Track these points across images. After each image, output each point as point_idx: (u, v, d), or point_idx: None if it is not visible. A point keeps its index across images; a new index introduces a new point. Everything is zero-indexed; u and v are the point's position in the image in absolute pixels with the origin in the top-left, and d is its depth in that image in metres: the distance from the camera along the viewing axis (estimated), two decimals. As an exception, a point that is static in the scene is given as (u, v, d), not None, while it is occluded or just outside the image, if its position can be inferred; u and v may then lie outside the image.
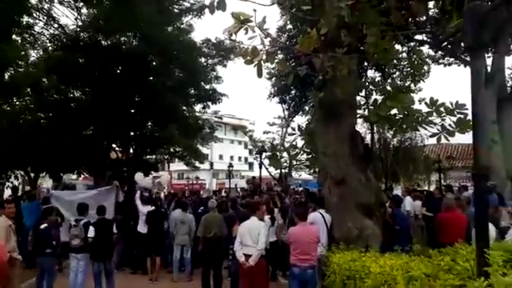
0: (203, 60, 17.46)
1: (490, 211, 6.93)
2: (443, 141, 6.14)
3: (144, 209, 9.41)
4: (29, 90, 13.95)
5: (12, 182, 15.49)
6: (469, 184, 11.49)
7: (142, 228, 9.31)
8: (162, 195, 10.84)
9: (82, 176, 22.02)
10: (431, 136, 6.00)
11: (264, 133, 22.77)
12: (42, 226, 7.13)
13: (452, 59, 13.94)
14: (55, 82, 14.35)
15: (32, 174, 16.45)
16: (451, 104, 5.86)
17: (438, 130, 6.00)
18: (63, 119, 14.40)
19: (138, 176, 12.01)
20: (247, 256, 5.86)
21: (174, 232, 8.99)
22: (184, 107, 17.89)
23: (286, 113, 21.07)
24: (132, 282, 8.58)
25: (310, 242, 5.59)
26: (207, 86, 17.47)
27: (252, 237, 5.91)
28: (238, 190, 23.15)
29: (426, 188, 22.78)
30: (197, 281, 8.32)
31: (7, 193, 16.05)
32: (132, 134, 18.02)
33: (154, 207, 9.46)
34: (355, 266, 4.51)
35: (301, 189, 19.75)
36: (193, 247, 8.95)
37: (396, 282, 3.50)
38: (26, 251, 7.18)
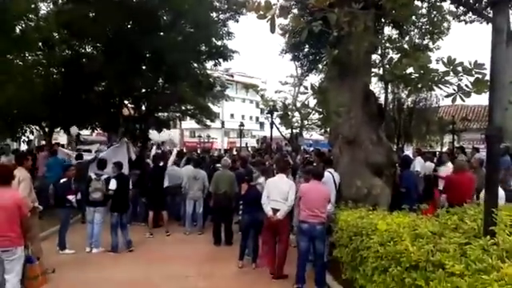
0: (214, 15, 17.01)
1: (501, 173, 6.95)
2: (458, 102, 6.02)
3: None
4: (40, 44, 13.89)
5: (28, 137, 15.82)
6: (482, 146, 11.38)
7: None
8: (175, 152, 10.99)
9: (96, 132, 22.39)
10: (446, 96, 5.87)
11: (276, 92, 22.53)
12: (61, 181, 7.46)
13: (474, 16, 13.30)
14: (66, 36, 14.25)
15: (46, 129, 16.74)
16: (470, 63, 5.69)
17: (454, 90, 5.87)
18: (75, 74, 14.44)
19: (152, 134, 12.24)
20: (275, 210, 6.09)
21: (186, 187, 9.20)
22: (195, 64, 17.70)
23: (299, 71, 20.72)
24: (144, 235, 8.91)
25: (320, 200, 5.70)
26: (218, 42, 17.14)
27: (281, 193, 6.15)
28: (249, 148, 23.38)
29: (439, 149, 22.67)
30: (208, 234, 8.64)
31: (23, 146, 16.51)
32: (143, 90, 18.03)
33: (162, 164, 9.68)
34: (362, 224, 4.61)
35: (311, 149, 19.86)
36: (205, 203, 9.21)
37: (402, 239, 3.58)
38: (47, 203, 7.50)
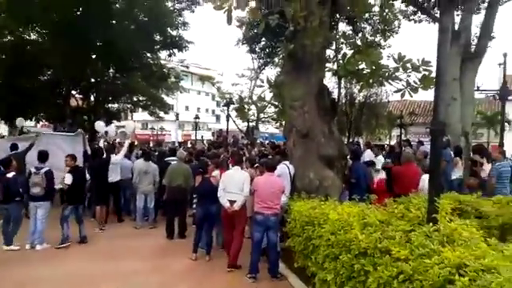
0: (170, 4, 16.62)
1: (442, 164, 7.39)
2: (407, 97, 6.35)
3: (113, 158, 9.30)
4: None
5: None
6: (426, 139, 12.04)
7: (112, 177, 9.20)
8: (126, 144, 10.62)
9: (41, 123, 21.21)
10: (396, 91, 6.18)
11: (232, 85, 22.48)
12: (10, 175, 7.07)
13: (423, 15, 14.01)
14: (8, 21, 13.31)
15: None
16: (418, 61, 6.00)
17: (403, 85, 6.18)
18: (17, 62, 13.57)
19: (98, 125, 11.75)
20: (231, 202, 6.19)
21: (136, 181, 8.97)
22: (148, 54, 17.23)
23: (256, 64, 20.79)
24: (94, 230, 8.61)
25: (274, 192, 5.80)
26: (173, 32, 16.77)
27: (236, 185, 6.23)
28: (205, 142, 23.19)
29: (387, 142, 23.74)
30: (160, 228, 8.50)
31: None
32: (93, 80, 17.29)
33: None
34: (315, 214, 4.74)
35: (267, 142, 20.06)
36: (157, 196, 9.03)
37: (352, 228, 3.72)
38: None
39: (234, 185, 6.26)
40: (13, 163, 7.39)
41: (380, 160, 9.77)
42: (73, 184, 7.41)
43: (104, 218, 8.93)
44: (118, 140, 19.01)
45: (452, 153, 8.83)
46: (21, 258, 6.64)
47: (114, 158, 9.36)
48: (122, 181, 9.40)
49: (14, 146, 9.67)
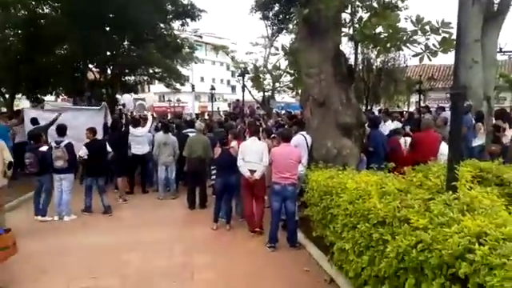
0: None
1: (463, 131, 7.22)
2: (426, 61, 6.12)
3: (135, 131, 9.54)
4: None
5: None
6: (447, 105, 11.72)
7: (136, 149, 9.50)
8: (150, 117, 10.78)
9: (61, 97, 21.51)
10: (414, 56, 5.96)
11: (246, 54, 22.07)
12: (44, 148, 7.33)
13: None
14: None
15: (7, 96, 15.93)
16: (437, 22, 5.73)
17: (421, 49, 5.94)
18: (33, 37, 13.61)
19: (126, 97, 11.93)
20: (251, 171, 6.32)
21: (157, 153, 9.10)
22: (161, 24, 17.01)
23: (270, 31, 20.28)
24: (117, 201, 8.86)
25: (291, 162, 5.79)
26: (185, 1, 16.47)
27: (255, 155, 6.36)
28: (221, 113, 23.16)
29: (406, 109, 23.25)
30: (181, 199, 8.68)
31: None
32: (108, 53, 17.27)
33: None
34: (332, 183, 4.72)
35: (283, 112, 19.89)
36: (177, 167, 9.16)
37: (370, 197, 3.70)
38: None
39: (252, 154, 6.38)
40: (42, 137, 7.66)
41: (397, 127, 9.59)
42: (90, 156, 7.65)
43: (126, 190, 9.18)
44: (135, 113, 19.20)
45: (473, 118, 8.59)
46: (49, 229, 6.92)
47: (140, 130, 9.67)
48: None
49: (34, 121, 9.88)
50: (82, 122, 9.31)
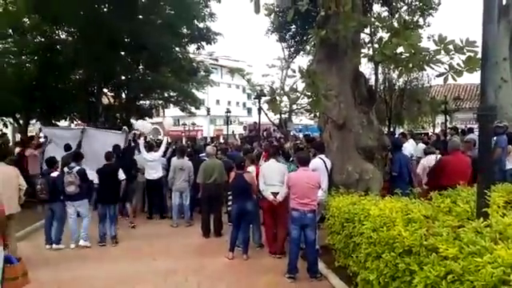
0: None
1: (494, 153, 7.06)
2: (450, 81, 6.08)
3: (149, 156, 9.77)
4: (10, 31, 13.55)
5: (1, 130, 15.53)
6: (475, 126, 11.55)
7: (149, 174, 9.71)
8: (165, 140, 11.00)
9: (75, 122, 22.06)
10: (438, 76, 5.92)
11: (263, 76, 22.36)
12: (55, 174, 7.49)
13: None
14: (37, 21, 13.91)
15: (21, 122, 16.44)
16: (461, 41, 5.72)
17: (445, 69, 5.92)
18: (49, 62, 14.14)
19: (140, 123, 12.20)
20: (274, 194, 6.52)
21: (172, 179, 9.18)
22: (177, 48, 17.47)
23: (286, 53, 20.58)
24: (138, 228, 8.91)
25: (310, 187, 5.75)
26: (200, 25, 16.90)
27: (278, 176, 6.63)
28: (237, 136, 23.33)
29: (431, 131, 22.95)
30: (196, 226, 8.67)
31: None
32: (123, 77, 17.77)
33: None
34: (354, 209, 4.67)
35: (301, 134, 19.89)
36: (192, 194, 9.21)
37: (395, 224, 3.64)
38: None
39: (274, 177, 6.61)
40: (56, 164, 7.81)
41: (420, 149, 9.49)
42: (102, 182, 7.76)
43: (146, 216, 9.67)
44: (149, 137, 19.51)
45: (506, 139, 8.43)
46: (60, 259, 6.97)
47: (153, 154, 9.88)
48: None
49: (67, 147, 10.11)
50: (103, 146, 9.54)
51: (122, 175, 7.96)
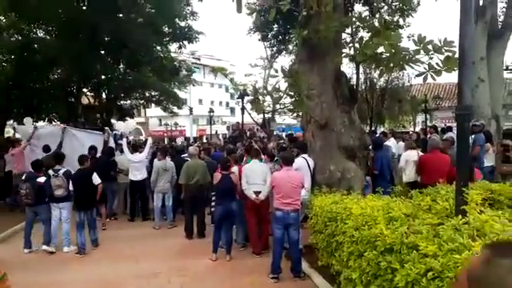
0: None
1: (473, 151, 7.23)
2: (430, 80, 6.20)
3: (133, 157, 9.69)
4: (-15, 30, 13.23)
5: (-24, 131, 15.14)
6: (454, 124, 11.80)
7: (133, 175, 9.62)
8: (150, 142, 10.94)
9: (54, 123, 21.63)
10: (418, 75, 6.03)
11: (245, 75, 22.38)
12: (42, 180, 7.29)
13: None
14: (14, 20, 13.60)
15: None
16: (439, 41, 5.84)
17: (424, 68, 6.03)
18: (26, 61, 13.84)
19: (118, 124, 12.02)
20: (256, 193, 6.67)
21: (155, 180, 9.10)
22: (158, 47, 17.33)
23: (269, 52, 20.63)
24: (119, 230, 8.80)
25: (293, 187, 5.77)
26: (182, 23, 16.82)
27: (259, 177, 6.76)
28: (220, 136, 23.29)
29: (412, 129, 23.35)
30: (179, 228, 8.62)
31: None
32: (103, 77, 17.52)
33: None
34: (337, 208, 4.71)
35: (284, 134, 19.99)
36: (174, 195, 9.14)
37: (377, 223, 3.69)
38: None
39: (256, 176, 6.72)
40: (43, 168, 7.57)
41: (401, 147, 9.64)
42: (76, 187, 7.38)
43: (128, 218, 9.62)
44: (131, 137, 19.28)
45: (484, 138, 8.64)
46: (41, 263, 6.84)
47: (138, 156, 9.83)
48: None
49: (46, 148, 9.88)
50: (83, 145, 9.37)
51: (96, 179, 7.53)
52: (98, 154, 9.64)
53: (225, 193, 6.84)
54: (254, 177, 6.74)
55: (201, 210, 8.31)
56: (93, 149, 9.34)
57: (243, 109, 19.89)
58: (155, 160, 9.58)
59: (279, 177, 5.94)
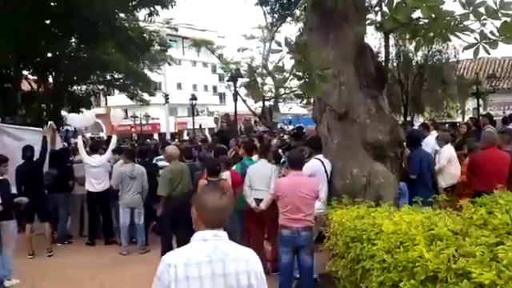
0: None
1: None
2: (482, 54, 6.22)
3: (92, 160, 9.62)
4: None
5: None
6: (515, 112, 11.84)
7: (91, 185, 9.55)
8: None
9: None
10: (466, 48, 6.04)
11: (239, 50, 22.46)
12: None
13: None
14: None
15: None
16: (495, 3, 5.86)
17: (475, 39, 6.05)
18: None
19: (71, 117, 11.97)
20: (258, 201, 6.90)
21: (119, 191, 9.11)
22: (121, 14, 17.29)
23: (269, 19, 20.66)
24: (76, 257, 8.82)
25: (305, 197, 5.72)
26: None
27: (263, 180, 7.00)
28: (207, 132, 23.34)
29: (460, 119, 23.40)
30: (154, 253, 8.61)
31: None
32: (50, 55, 17.50)
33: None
34: (362, 225, 4.73)
35: (291, 127, 20.03)
36: (146, 210, 9.16)
37: (415, 243, 3.70)
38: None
39: (260, 180, 6.97)
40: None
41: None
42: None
43: (87, 241, 9.67)
44: (89, 135, 19.29)
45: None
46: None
47: (97, 158, 9.78)
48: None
49: None
50: (16, 147, 9.32)
51: (14, 190, 7.73)
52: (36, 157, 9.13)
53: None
54: (259, 180, 6.92)
55: (184, 228, 8.28)
56: (28, 150, 8.96)
57: (236, 95, 19.93)
58: (116, 165, 9.58)
59: (285, 184, 5.92)
